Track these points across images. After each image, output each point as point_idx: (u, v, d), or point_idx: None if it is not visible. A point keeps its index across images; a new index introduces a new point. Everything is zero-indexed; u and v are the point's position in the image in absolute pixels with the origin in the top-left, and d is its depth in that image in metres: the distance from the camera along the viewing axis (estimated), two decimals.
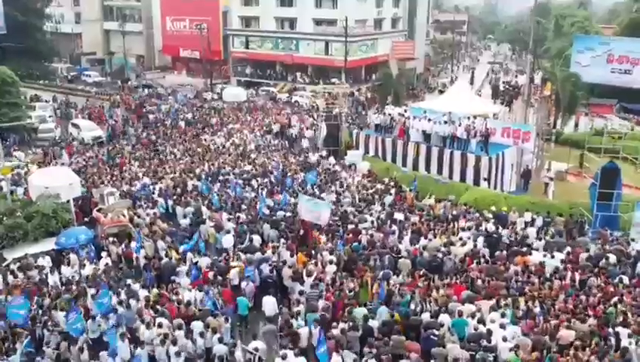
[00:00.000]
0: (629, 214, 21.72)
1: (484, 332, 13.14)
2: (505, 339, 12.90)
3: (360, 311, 14.04)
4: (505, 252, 18.00)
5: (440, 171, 27.04)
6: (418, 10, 71.55)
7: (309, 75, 62.43)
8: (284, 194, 21.99)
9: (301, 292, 14.90)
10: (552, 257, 17.60)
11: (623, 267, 17.26)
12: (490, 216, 21.00)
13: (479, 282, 16.01)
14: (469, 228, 19.60)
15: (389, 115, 30.32)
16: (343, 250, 17.50)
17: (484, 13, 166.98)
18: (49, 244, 17.40)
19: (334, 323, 13.55)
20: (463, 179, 26.29)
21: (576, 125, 41.94)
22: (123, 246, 17.59)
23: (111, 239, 17.97)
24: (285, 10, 61.36)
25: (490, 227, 19.99)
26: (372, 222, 19.98)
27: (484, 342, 12.79)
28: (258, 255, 17.05)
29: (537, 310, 14.55)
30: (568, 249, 18.14)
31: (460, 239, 18.75)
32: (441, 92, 60.92)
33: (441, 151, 27.11)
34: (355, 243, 18.07)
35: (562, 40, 72.35)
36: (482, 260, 17.31)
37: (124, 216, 19.01)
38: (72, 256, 16.76)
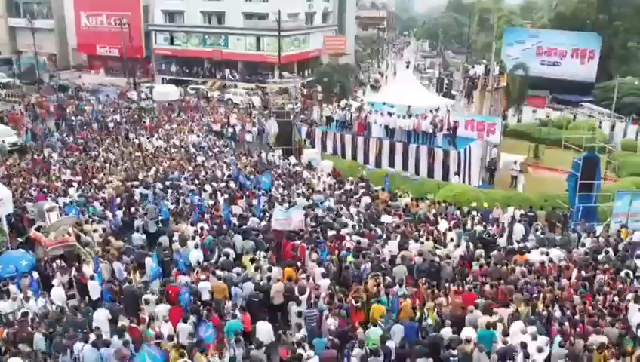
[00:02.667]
0: (606, 204, 21.37)
1: (516, 345, 11.68)
2: (540, 350, 11.56)
3: (375, 332, 12.17)
4: (501, 252, 16.81)
5: (405, 167, 25.71)
6: (347, 5, 70.67)
7: (239, 71, 59.76)
8: (259, 199, 19.71)
9: (299, 314, 12.83)
10: (548, 254, 16.63)
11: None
12: (475, 213, 19.80)
13: (487, 287, 14.62)
14: (457, 228, 18.26)
15: (347, 109, 28.55)
16: (327, 259, 15.53)
17: (399, 10, 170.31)
18: None
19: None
20: (430, 174, 25.09)
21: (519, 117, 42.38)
22: (74, 271, 14.68)
23: (58, 263, 15.01)
24: (213, 3, 58.32)
25: (478, 225, 18.85)
26: (353, 226, 18.16)
27: (520, 357, 11.32)
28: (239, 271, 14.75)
29: (558, 314, 13.37)
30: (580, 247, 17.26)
31: (451, 240, 17.40)
32: (373, 87, 60.45)
33: (405, 146, 25.75)
34: (344, 252, 16.15)
35: (487, 34, 74.67)
36: (480, 262, 16.01)
37: (69, 234, 16.05)
38: (12, 288, 13.72)
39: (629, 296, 14.00)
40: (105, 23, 61.41)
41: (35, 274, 14.36)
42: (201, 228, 17.61)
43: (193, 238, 16.95)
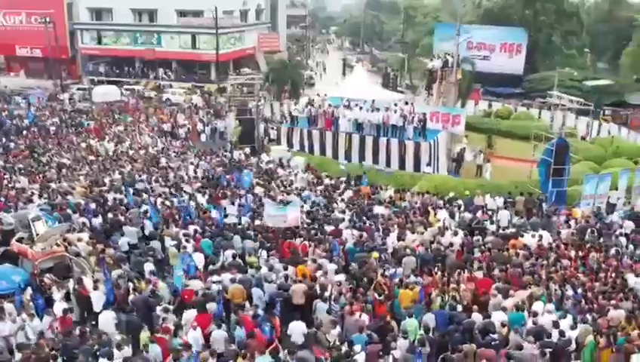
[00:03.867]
0: (574, 188, 22.53)
1: (548, 324, 12.02)
2: (573, 328, 11.96)
3: (412, 323, 12.09)
4: (498, 238, 17.27)
5: (376, 161, 25.85)
6: (279, 3, 70.26)
7: (173, 70, 57.86)
8: (247, 198, 19.05)
9: (329, 311, 12.54)
10: (541, 237, 17.27)
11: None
12: (460, 201, 20.25)
13: (496, 272, 14.95)
14: (451, 217, 18.58)
15: (311, 105, 28.27)
16: (338, 254, 15.31)
17: (317, 8, 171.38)
18: None
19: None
20: (402, 167, 25.38)
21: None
22: (74, 284, 13.51)
23: (49, 277, 13.78)
24: (144, 1, 55.93)
25: (464, 213, 19.30)
26: (349, 220, 18.01)
27: (557, 336, 11.63)
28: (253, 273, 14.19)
29: (570, 293, 13.89)
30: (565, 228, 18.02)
31: (447, 229, 17.67)
32: (307, 84, 60.45)
33: (376, 140, 25.88)
34: (349, 246, 15.97)
35: (414, 30, 76.79)
36: (481, 249, 16.39)
37: (57, 244, 14.78)
38: (8, 306, 12.42)
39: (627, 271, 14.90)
40: (24, 21, 57.49)
41: (29, 291, 13.09)
42: (195, 231, 16.79)
43: (187, 241, 16.14)
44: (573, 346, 11.81)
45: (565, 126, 36.20)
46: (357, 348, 11.11)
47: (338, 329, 12.04)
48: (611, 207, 21.25)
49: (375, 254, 15.21)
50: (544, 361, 11.17)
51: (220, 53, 52.54)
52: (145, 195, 20.39)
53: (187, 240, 16.11)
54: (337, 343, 11.43)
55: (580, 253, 16.25)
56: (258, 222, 17.81)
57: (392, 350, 11.28)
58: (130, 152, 27.40)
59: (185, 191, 20.54)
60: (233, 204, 18.75)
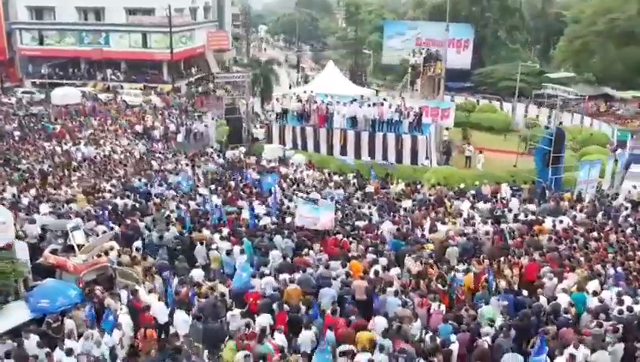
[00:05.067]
0: (569, 174, 23.74)
1: (611, 302, 12.67)
2: (637, 302, 12.64)
3: (489, 310, 12.40)
4: (522, 224, 17.94)
5: (372, 156, 26.08)
6: (225, 1, 69.18)
7: (122, 71, 55.68)
8: (274, 197, 18.68)
9: (404, 304, 12.61)
10: (561, 222, 18.10)
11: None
12: (472, 192, 20.86)
13: (537, 256, 15.54)
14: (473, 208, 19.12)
15: (300, 101, 28.01)
16: (395, 246, 15.45)
17: (244, 7, 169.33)
18: (17, 314, 11.83)
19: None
20: (399, 160, 25.75)
21: None
22: (129, 294, 12.81)
23: (101, 289, 12.99)
24: None
25: (481, 203, 19.90)
26: (379, 215, 18.15)
27: (626, 311, 12.27)
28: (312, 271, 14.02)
29: (612, 272, 14.67)
30: (573, 212, 18.88)
31: (472, 218, 18.18)
32: None
33: (372, 135, 26.11)
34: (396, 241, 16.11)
35: (359, 28, 77.70)
36: (512, 235, 17.00)
37: (99, 255, 13.96)
38: (69, 322, 11.63)
39: None
40: None
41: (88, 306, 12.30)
42: (229, 233, 16.35)
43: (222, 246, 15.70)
44: None
45: (529, 116, 38.16)
46: (452, 337, 11.27)
47: (419, 322, 12.15)
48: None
49: (430, 246, 15.41)
50: (617, 337, 11.76)
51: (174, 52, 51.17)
52: (164, 199, 19.57)
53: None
54: (425, 336, 11.56)
55: (601, 234, 17.19)
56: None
57: (483, 336, 11.51)
58: (115, 156, 26.15)
59: (200, 194, 19.89)
60: (263, 204, 18.38)
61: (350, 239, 16.24)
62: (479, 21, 57.86)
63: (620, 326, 11.91)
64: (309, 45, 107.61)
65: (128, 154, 26.63)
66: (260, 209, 18.07)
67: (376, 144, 26.03)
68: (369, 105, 26.30)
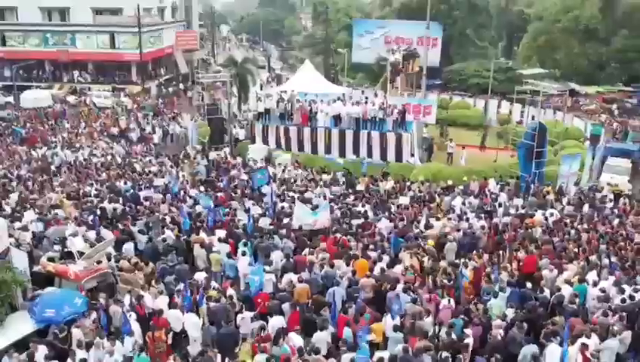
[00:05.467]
0: (548, 168, 24.30)
1: (611, 290, 13.07)
2: (637, 291, 13.03)
3: (497, 304, 12.61)
4: (515, 218, 18.30)
5: (356, 153, 26.16)
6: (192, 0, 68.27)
7: (89, 72, 54.30)
8: (272, 197, 18.52)
9: (415, 300, 12.65)
10: (552, 215, 18.56)
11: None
12: (461, 187, 21.18)
13: (533, 248, 15.87)
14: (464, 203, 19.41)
15: (283, 99, 27.82)
16: (395, 242, 15.54)
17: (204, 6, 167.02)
18: (21, 326, 11.40)
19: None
20: (383, 158, 25.89)
21: None
22: (132, 299, 12.50)
23: (104, 297, 12.62)
24: None
25: (472, 198, 20.22)
26: (374, 213, 18.23)
27: (629, 301, 12.65)
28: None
29: (607, 261, 15.10)
30: (560, 205, 19.39)
31: (465, 214, 18.45)
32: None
33: (356, 133, 26.19)
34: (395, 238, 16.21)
35: (323, 27, 77.60)
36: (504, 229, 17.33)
37: (99, 261, 13.59)
38: (76, 332, 11.27)
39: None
40: None
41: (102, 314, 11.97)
42: (227, 235, 16.16)
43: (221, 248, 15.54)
44: None
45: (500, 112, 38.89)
46: (468, 331, 11.41)
47: (431, 317, 12.27)
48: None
49: (430, 242, 15.55)
50: (623, 324, 12.12)
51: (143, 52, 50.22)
52: (154, 203, 19.18)
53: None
54: (441, 331, 11.69)
55: (589, 226, 17.71)
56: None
57: (495, 329, 11.70)
58: (95, 160, 25.50)
59: (190, 196, 19.58)
60: (256, 205, 18.23)
61: (349, 237, 16.27)
62: (447, 19, 58.72)
63: (624, 314, 12.29)
64: (273, 45, 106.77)
65: (110, 157, 25.99)
66: (255, 210, 17.89)
67: (360, 142, 26.12)
68: (353, 104, 26.37)
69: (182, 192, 20.18)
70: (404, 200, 19.09)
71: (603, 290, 13.15)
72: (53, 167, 24.61)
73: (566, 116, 37.56)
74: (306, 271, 14.01)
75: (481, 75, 52.91)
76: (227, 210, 18.45)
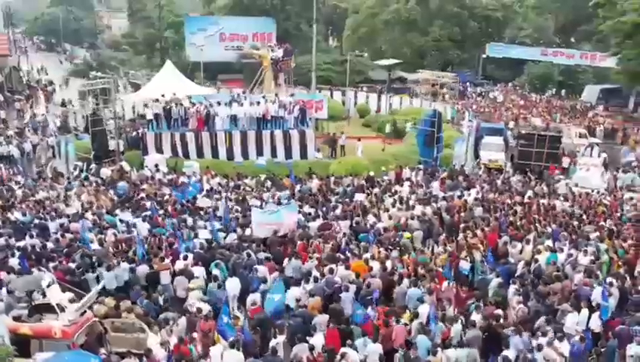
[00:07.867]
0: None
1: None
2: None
3: (495, 281, 13.60)
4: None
5: (260, 154, 25.46)
6: None
7: None
8: (226, 210, 17.09)
9: (421, 298, 12.93)
10: (469, 195, 20.37)
11: None
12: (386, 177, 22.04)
13: (486, 228, 17.17)
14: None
15: (176, 104, 25.62)
16: (373, 241, 15.63)
17: None
18: None
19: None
20: (288, 156, 25.57)
21: None
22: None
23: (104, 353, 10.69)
24: None
25: (405, 188, 21.07)
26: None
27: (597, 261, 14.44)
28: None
29: (549, 230, 17.01)
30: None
31: (407, 202, 19.21)
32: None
33: (258, 134, 25.42)
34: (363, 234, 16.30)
35: (142, 25, 73.14)
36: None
37: (84, 311, 11.37)
38: None
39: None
40: None
41: None
42: (195, 258, 14.71)
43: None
44: None
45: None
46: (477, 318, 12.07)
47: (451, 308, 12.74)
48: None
49: (407, 234, 15.94)
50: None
51: None
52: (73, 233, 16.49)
53: None
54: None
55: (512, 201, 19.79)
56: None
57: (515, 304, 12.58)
58: None
59: (121, 220, 17.25)
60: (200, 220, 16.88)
61: (319, 240, 15.95)
62: (280, 14, 59.53)
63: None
64: (79, 46, 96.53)
65: None
66: (200, 225, 16.60)
67: (263, 142, 25.46)
68: (251, 104, 25.56)
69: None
70: (359, 196, 19.21)
71: (570, 255, 14.85)
72: None
73: (424, 102, 40.58)
74: (308, 283, 13.46)
75: (320, 67, 54.77)
76: (164, 231, 16.72)
